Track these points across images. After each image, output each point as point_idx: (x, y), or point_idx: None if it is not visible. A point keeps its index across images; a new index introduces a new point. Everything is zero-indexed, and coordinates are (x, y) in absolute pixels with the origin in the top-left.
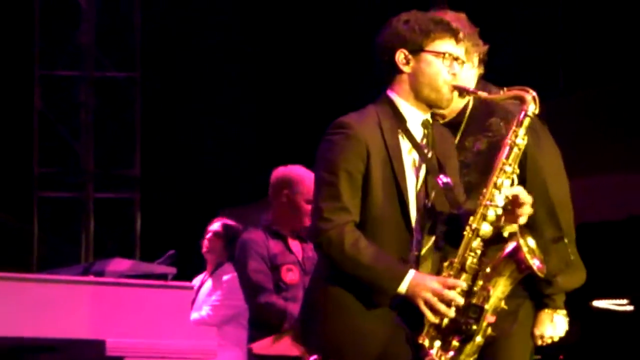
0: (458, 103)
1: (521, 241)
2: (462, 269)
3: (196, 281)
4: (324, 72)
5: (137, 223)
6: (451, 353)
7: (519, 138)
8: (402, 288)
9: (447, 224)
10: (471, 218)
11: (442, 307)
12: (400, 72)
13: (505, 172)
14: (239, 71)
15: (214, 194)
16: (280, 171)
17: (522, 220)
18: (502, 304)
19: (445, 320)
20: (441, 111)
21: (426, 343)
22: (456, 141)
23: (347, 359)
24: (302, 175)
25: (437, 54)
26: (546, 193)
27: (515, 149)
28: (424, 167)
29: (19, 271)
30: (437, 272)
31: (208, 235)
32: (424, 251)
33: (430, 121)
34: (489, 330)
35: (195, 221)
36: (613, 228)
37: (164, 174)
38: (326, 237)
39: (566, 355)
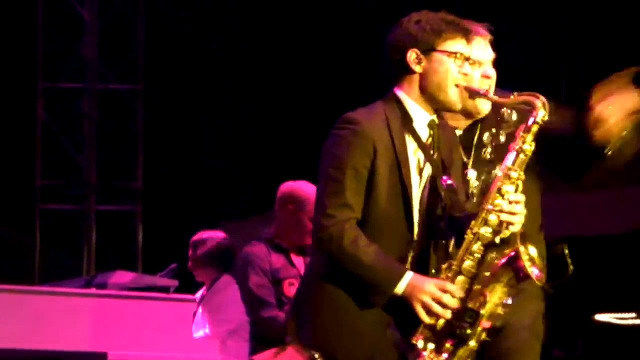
0: (488, 104)
1: (521, 249)
2: (460, 271)
3: (197, 296)
4: (327, 85)
5: (139, 235)
6: (444, 355)
7: (527, 144)
8: (400, 289)
9: (448, 227)
10: (473, 222)
11: (438, 309)
12: (411, 71)
13: (510, 177)
14: (242, 85)
15: (216, 207)
16: (288, 186)
17: (514, 229)
18: (499, 310)
19: (440, 322)
20: (477, 113)
21: (419, 344)
22: (475, 139)
23: (337, 355)
24: (310, 194)
25: (449, 53)
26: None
27: (522, 155)
28: (428, 167)
29: (21, 284)
30: (436, 273)
31: (199, 253)
32: (424, 252)
33: (437, 122)
34: (484, 335)
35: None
36: (616, 241)
37: (166, 186)
38: (327, 233)
39: None
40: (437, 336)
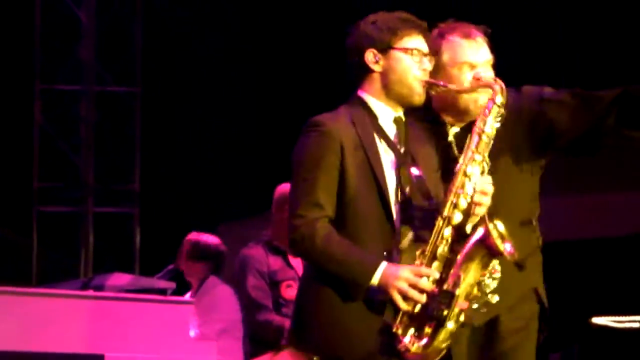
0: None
1: (490, 226)
2: (434, 257)
3: (185, 298)
4: (325, 87)
5: (136, 238)
6: (425, 340)
7: (487, 127)
8: (375, 280)
9: (422, 216)
10: (442, 207)
11: (414, 294)
12: (371, 71)
13: (474, 160)
14: (240, 88)
15: (213, 209)
16: (284, 187)
17: (480, 210)
18: (475, 291)
19: (418, 308)
20: (472, 115)
21: (399, 332)
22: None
23: (336, 356)
24: None
25: (406, 50)
26: None
27: (484, 137)
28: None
29: (19, 285)
30: (410, 261)
31: (187, 255)
32: (403, 243)
33: (403, 118)
34: (462, 317)
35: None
36: (614, 244)
37: (164, 188)
38: (298, 233)
39: None
40: (416, 322)
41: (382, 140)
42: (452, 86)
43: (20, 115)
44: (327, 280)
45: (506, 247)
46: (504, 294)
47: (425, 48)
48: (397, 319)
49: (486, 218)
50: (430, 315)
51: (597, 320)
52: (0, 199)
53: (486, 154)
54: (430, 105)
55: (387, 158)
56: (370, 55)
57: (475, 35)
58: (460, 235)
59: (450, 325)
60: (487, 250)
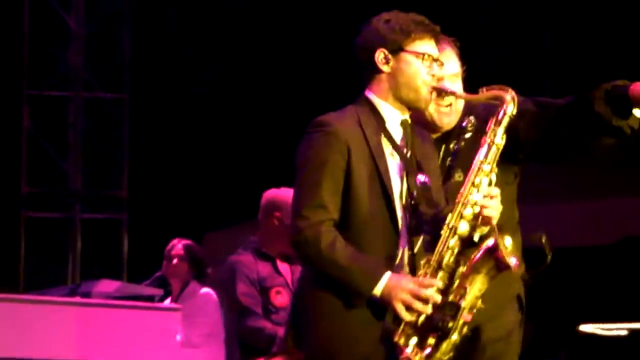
0: (453, 119)
1: (499, 239)
2: (439, 267)
3: (165, 304)
4: (312, 93)
5: (124, 244)
6: (427, 350)
7: (498, 137)
8: (377, 290)
9: (428, 224)
10: (449, 216)
11: (418, 305)
12: (379, 71)
13: (483, 171)
14: (229, 95)
15: (201, 216)
16: (271, 193)
17: (488, 221)
18: (479, 303)
19: (422, 318)
20: (439, 129)
21: (401, 342)
22: (442, 151)
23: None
24: None
25: (417, 54)
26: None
27: (494, 148)
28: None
29: (5, 292)
30: (415, 270)
31: (174, 261)
32: (416, 250)
33: (409, 121)
34: (465, 329)
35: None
36: (601, 252)
37: (152, 195)
38: (302, 236)
39: None
40: (419, 332)
41: (388, 143)
42: (460, 94)
43: (9, 121)
44: (328, 285)
45: (512, 261)
46: (487, 301)
47: (435, 53)
48: (399, 329)
49: (496, 230)
50: (434, 326)
51: (585, 327)
52: None
53: (494, 165)
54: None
55: (393, 161)
56: (380, 55)
57: (442, 48)
58: (465, 245)
59: (454, 337)
60: (494, 262)
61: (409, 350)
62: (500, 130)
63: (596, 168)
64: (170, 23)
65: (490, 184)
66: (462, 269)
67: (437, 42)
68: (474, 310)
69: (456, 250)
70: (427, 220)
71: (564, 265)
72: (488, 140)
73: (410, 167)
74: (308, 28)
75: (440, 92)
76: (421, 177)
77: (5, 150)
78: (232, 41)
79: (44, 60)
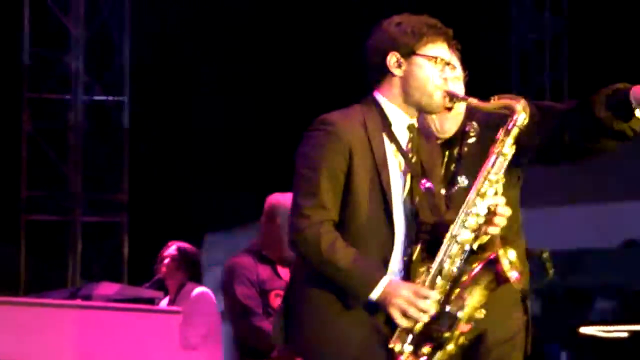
0: (454, 124)
1: (501, 252)
2: (438, 274)
3: (162, 303)
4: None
5: (124, 247)
6: (422, 359)
7: (506, 147)
8: (374, 295)
9: (429, 231)
10: (452, 225)
11: (414, 313)
12: (391, 74)
13: (489, 180)
14: (229, 98)
15: (201, 218)
16: (275, 198)
17: (493, 230)
18: (478, 314)
19: (418, 326)
20: (441, 135)
21: (397, 348)
22: (445, 157)
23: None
24: None
25: (430, 57)
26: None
27: (501, 158)
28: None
29: (6, 295)
30: (413, 277)
31: (166, 261)
32: (414, 257)
33: (416, 126)
34: (462, 340)
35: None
36: (604, 255)
37: (152, 198)
38: (302, 235)
39: None
40: (415, 340)
41: (393, 146)
42: (472, 100)
43: (9, 124)
44: (324, 285)
45: (513, 275)
46: (493, 304)
47: (447, 56)
48: (395, 335)
49: (498, 243)
50: (430, 336)
51: (585, 329)
52: None
53: (501, 175)
54: None
55: (394, 164)
56: (393, 59)
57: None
58: (467, 254)
59: (450, 347)
60: (494, 276)
61: (402, 358)
62: (510, 140)
63: (600, 172)
64: (170, 26)
65: (496, 193)
66: (462, 279)
67: (449, 45)
68: (472, 322)
69: (457, 260)
70: (428, 228)
71: (566, 267)
72: (496, 150)
73: (415, 172)
74: (310, 29)
75: (453, 97)
76: (426, 183)
77: (5, 153)
78: (233, 43)
79: (44, 63)
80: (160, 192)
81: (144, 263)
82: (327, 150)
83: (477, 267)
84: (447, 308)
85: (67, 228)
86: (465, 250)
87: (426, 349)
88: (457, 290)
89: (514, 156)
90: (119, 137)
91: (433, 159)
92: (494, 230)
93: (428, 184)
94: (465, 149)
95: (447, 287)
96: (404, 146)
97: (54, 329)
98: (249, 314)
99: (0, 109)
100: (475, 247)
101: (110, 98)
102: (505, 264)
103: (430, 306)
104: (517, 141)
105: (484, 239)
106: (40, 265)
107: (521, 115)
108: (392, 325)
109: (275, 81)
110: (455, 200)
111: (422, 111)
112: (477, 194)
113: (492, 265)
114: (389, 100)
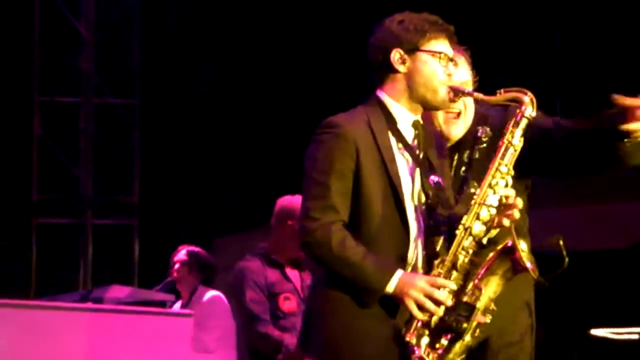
0: (461, 130)
1: (517, 241)
2: (453, 267)
3: (175, 307)
4: (324, 98)
5: (135, 250)
6: (440, 351)
7: (516, 139)
8: (390, 288)
9: (442, 225)
10: (464, 217)
11: (430, 306)
12: (395, 72)
13: (500, 172)
14: (239, 100)
15: (212, 221)
16: (285, 200)
17: (506, 222)
18: (493, 305)
19: (435, 318)
20: (446, 136)
21: (413, 341)
22: (454, 161)
23: None
24: None
25: (434, 53)
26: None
27: (511, 149)
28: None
29: (18, 298)
30: (428, 270)
31: (176, 267)
32: (438, 249)
33: (421, 122)
34: (477, 331)
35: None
36: (614, 256)
37: (163, 200)
38: (313, 236)
39: None
40: (432, 332)
41: (399, 143)
42: (477, 94)
43: (20, 128)
44: (339, 284)
45: (529, 264)
46: (500, 307)
47: (450, 52)
48: (411, 328)
49: (514, 232)
50: (448, 326)
51: (596, 331)
52: (0, 210)
53: (511, 166)
54: None
55: (402, 162)
56: (396, 55)
57: (454, 56)
58: (480, 246)
59: (467, 338)
60: (511, 264)
61: (421, 350)
62: (519, 132)
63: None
64: (180, 28)
65: (506, 185)
66: (477, 270)
67: (452, 42)
68: (487, 313)
69: (471, 251)
70: (442, 221)
71: (577, 268)
72: (506, 142)
73: (422, 167)
74: (315, 31)
75: (457, 92)
76: (434, 177)
77: (16, 156)
78: (243, 45)
79: (55, 67)
80: (171, 195)
81: (155, 265)
82: (335, 152)
83: (492, 257)
84: (464, 299)
85: (78, 231)
86: (478, 242)
87: (443, 341)
88: (473, 281)
89: (522, 166)
90: (130, 140)
91: (439, 154)
92: (506, 222)
93: (437, 179)
94: (477, 154)
95: (462, 279)
96: (410, 143)
97: (65, 331)
98: (255, 319)
99: (11, 113)
100: (485, 241)
101: (121, 101)
102: (522, 252)
103: (447, 297)
104: (527, 152)
105: (494, 232)
106: (51, 267)
107: (528, 108)
108: (408, 319)
109: (287, 83)
110: (465, 204)
111: (427, 107)
112: (489, 186)
113: (508, 254)
114: (392, 98)
